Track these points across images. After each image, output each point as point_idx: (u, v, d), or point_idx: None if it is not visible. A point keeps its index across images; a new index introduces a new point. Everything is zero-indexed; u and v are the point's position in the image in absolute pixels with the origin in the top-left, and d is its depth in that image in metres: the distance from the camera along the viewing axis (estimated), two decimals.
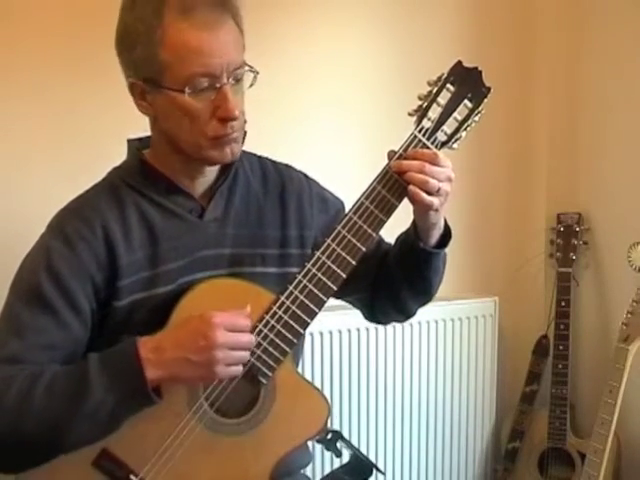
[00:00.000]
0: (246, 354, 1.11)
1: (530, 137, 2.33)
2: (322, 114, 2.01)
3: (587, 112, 2.23)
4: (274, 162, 1.35)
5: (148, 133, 1.26)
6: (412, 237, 1.25)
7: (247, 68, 1.16)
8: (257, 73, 1.17)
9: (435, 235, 1.25)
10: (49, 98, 1.72)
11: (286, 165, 1.36)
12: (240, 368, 1.12)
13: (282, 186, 1.32)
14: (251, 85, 1.18)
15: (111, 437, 1.12)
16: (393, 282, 1.32)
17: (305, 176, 1.36)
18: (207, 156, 1.19)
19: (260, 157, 1.34)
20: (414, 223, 1.25)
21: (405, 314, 1.41)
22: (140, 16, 1.12)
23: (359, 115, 2.07)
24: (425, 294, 1.36)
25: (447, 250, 1.29)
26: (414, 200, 1.16)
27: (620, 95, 2.14)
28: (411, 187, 1.14)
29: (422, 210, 1.19)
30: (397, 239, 1.32)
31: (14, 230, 1.69)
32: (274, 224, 1.29)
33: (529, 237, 2.35)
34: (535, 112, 2.32)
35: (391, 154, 1.17)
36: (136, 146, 1.26)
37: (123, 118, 1.72)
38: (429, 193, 1.15)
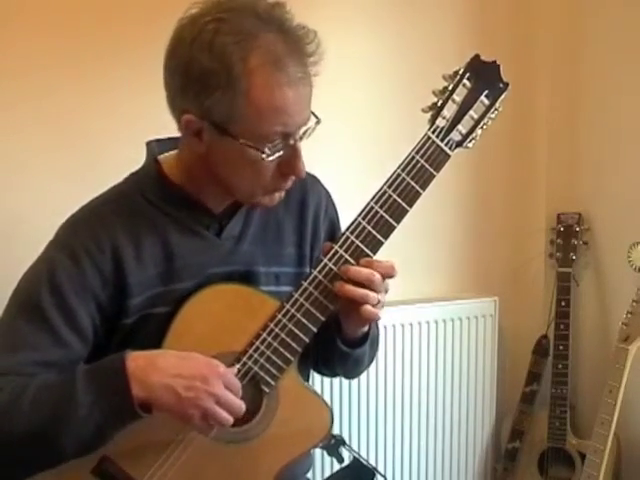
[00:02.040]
0: (229, 418, 1.07)
1: (530, 137, 2.33)
2: (323, 120, 1.99)
3: (587, 112, 2.22)
4: None
5: (158, 135, 1.22)
6: (333, 332, 1.21)
7: (313, 119, 1.11)
8: (319, 122, 1.12)
9: (356, 335, 1.22)
10: (49, 101, 1.70)
11: (312, 176, 1.30)
12: (211, 428, 1.08)
13: (303, 200, 1.27)
14: (309, 135, 1.12)
15: (111, 444, 1.10)
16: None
17: (328, 195, 1.32)
18: (255, 202, 1.16)
19: None
20: (338, 320, 1.20)
21: (315, 371, 1.40)
22: (222, 61, 1.02)
23: (360, 119, 2.06)
24: (333, 375, 1.35)
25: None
26: (366, 318, 1.13)
27: (620, 95, 2.14)
28: (367, 307, 1.11)
29: (364, 321, 1.17)
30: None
31: (14, 232, 1.68)
32: (292, 241, 1.25)
33: (529, 237, 2.34)
34: (535, 112, 2.31)
35: (327, 247, 1.13)
36: (154, 153, 1.20)
37: (124, 121, 1.72)
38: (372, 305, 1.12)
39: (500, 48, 2.21)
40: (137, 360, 1.06)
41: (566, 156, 2.29)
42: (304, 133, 1.11)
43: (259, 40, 1.03)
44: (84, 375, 1.07)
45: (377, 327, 1.31)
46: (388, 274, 1.13)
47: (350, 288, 1.11)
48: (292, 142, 1.09)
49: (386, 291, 1.15)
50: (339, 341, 1.22)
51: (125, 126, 1.72)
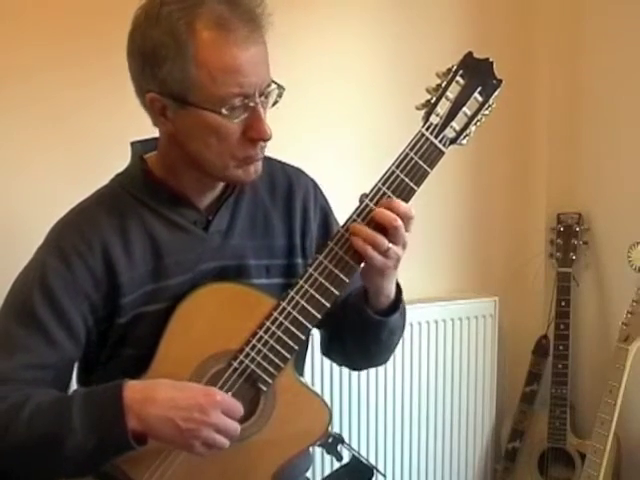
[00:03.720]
0: (226, 441, 1.07)
1: (530, 137, 2.33)
2: (321, 119, 2.00)
3: (588, 112, 2.22)
4: (283, 164, 1.30)
5: (153, 134, 1.22)
6: (361, 298, 1.21)
7: (274, 86, 1.12)
8: (283, 89, 1.13)
9: (381, 301, 1.20)
10: (50, 102, 1.71)
11: (297, 168, 1.31)
12: (207, 451, 1.08)
13: (289, 191, 1.27)
14: (275, 103, 1.13)
15: None
16: (343, 331, 1.27)
17: (314, 184, 1.32)
18: (231, 175, 1.14)
19: (269, 159, 1.25)
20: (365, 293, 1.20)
21: (351, 367, 1.40)
22: (169, 30, 1.04)
23: (357, 117, 2.07)
24: (365, 358, 1.32)
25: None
26: (373, 265, 1.12)
27: (621, 94, 2.14)
28: (360, 245, 1.10)
29: (371, 270, 1.15)
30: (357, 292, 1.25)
31: (15, 232, 1.69)
32: (281, 233, 1.25)
33: (529, 237, 2.35)
34: (535, 111, 2.31)
35: (363, 197, 1.13)
36: (139, 152, 1.21)
37: (125, 120, 1.71)
38: (379, 253, 1.11)
39: (500, 47, 2.20)
40: (134, 392, 1.06)
41: (566, 156, 2.29)
42: (266, 97, 1.11)
43: (203, 6, 1.05)
44: (81, 402, 1.07)
45: (404, 305, 1.27)
46: (407, 216, 1.11)
47: (361, 227, 1.10)
48: (252, 105, 1.09)
49: (404, 245, 1.13)
50: (370, 311, 1.20)
51: (126, 126, 1.71)
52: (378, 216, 1.10)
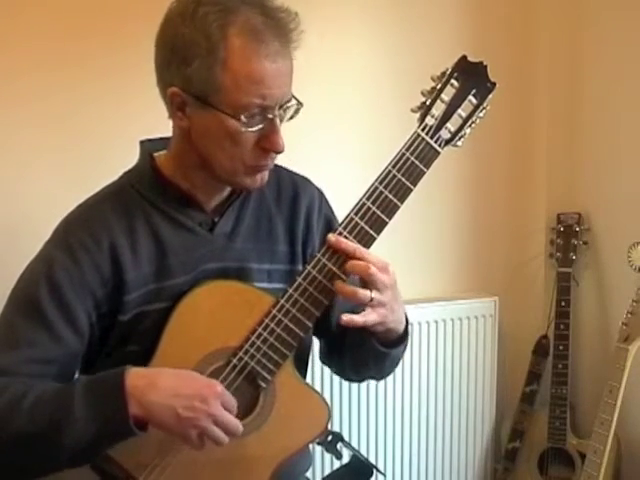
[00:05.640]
0: (225, 437, 1.08)
1: (530, 137, 2.33)
2: (320, 119, 1.99)
3: (587, 112, 2.22)
4: (291, 172, 1.32)
5: (158, 134, 1.23)
6: (368, 335, 1.20)
7: (294, 101, 1.14)
8: (302, 106, 1.14)
9: (388, 336, 1.20)
10: (52, 102, 1.71)
11: (303, 177, 1.33)
12: (203, 445, 1.08)
13: (294, 198, 1.28)
14: (292, 117, 1.15)
15: None
16: (344, 348, 1.29)
17: (320, 193, 1.33)
18: (238, 181, 1.16)
19: (277, 166, 1.26)
20: None
21: (343, 378, 1.42)
22: (203, 29, 1.06)
23: (357, 120, 2.07)
24: (360, 377, 1.35)
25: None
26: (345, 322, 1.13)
27: (621, 95, 2.14)
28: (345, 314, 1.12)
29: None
30: None
31: (19, 230, 1.69)
32: (283, 239, 1.27)
33: (529, 237, 2.34)
34: (535, 112, 2.31)
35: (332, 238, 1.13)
36: (148, 150, 1.22)
37: (128, 119, 1.74)
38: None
39: (500, 48, 2.22)
40: (136, 379, 1.07)
41: (566, 156, 2.29)
42: (285, 111, 1.13)
43: (239, 13, 1.07)
44: (83, 388, 1.07)
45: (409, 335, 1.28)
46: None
47: (342, 284, 1.12)
48: (271, 117, 1.10)
49: (384, 289, 1.13)
50: (375, 342, 1.21)
51: (128, 125, 1.73)
52: (350, 268, 1.11)
